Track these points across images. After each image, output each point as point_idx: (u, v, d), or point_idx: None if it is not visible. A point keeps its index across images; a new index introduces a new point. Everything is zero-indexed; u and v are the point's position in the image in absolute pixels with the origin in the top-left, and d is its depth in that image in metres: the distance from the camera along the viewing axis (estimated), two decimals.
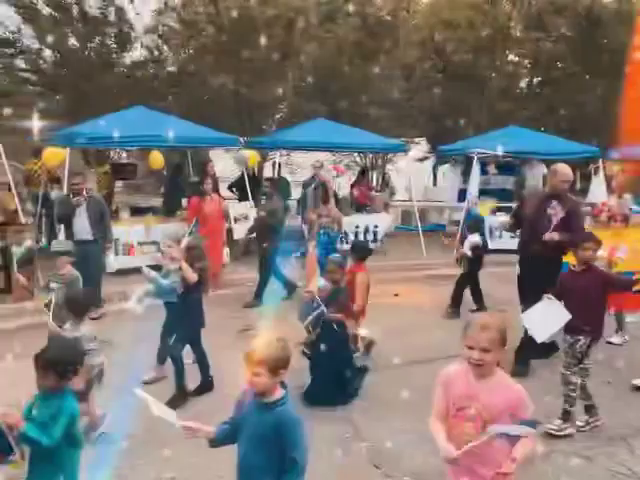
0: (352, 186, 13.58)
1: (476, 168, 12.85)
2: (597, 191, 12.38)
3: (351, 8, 15.76)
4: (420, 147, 19.37)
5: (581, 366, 4.27)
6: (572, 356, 4.23)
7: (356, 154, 16.71)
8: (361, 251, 6.21)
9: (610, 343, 6.19)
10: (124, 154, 16.91)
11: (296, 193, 13.39)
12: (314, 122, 13.22)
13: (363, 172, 14.39)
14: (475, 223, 8.49)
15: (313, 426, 3.28)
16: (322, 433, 3.95)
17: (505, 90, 17.12)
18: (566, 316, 4.12)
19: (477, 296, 7.73)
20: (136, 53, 16.70)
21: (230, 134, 11.78)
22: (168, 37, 16.38)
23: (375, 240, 11.89)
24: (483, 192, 13.25)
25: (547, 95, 17.25)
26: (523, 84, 20.53)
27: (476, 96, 16.23)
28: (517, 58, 18.76)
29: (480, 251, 7.82)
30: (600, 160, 12.58)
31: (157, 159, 11.68)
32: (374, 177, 17.08)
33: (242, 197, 11.49)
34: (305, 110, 15.32)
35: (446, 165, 15.35)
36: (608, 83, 14.47)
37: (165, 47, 16.63)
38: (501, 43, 16.58)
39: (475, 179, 12.89)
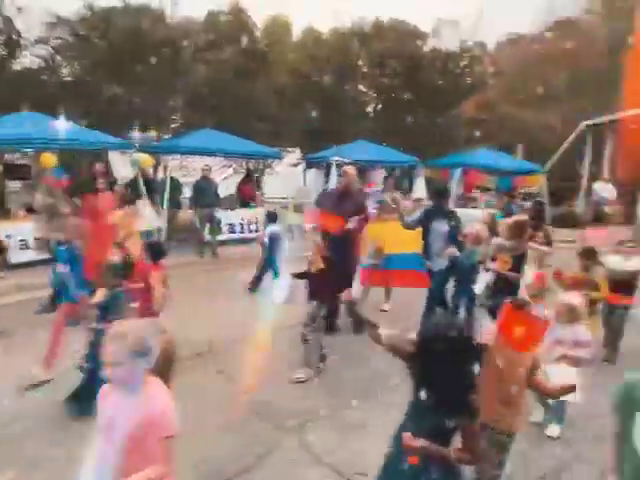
0: (239, 186, 14.08)
1: (334, 172, 14.09)
2: (419, 190, 14.29)
3: (233, 37, 16.11)
4: (294, 155, 20.44)
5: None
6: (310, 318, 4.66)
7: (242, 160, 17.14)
8: (156, 251, 4.83)
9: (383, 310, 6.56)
10: (17, 155, 15.31)
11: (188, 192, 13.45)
12: (203, 132, 13.40)
13: (248, 174, 14.93)
14: None
15: None
16: None
17: (356, 113, 18.89)
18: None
19: None
20: (25, 60, 15.26)
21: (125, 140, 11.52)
22: (61, 48, 15.21)
23: (257, 230, 12.46)
24: None
25: (387, 117, 19.32)
26: (370, 108, 22.61)
27: (334, 116, 17.72)
28: (364, 88, 20.87)
29: None
30: (420, 167, 14.51)
31: (48, 159, 10.95)
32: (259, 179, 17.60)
33: (136, 196, 11.34)
34: (196, 121, 15.39)
35: (313, 169, 16.53)
36: (427, 110, 16.78)
37: (58, 57, 15.41)
38: (351, 75, 18.17)
39: (333, 181, 14.17)
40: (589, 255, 4.76)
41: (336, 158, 14.10)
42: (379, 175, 16.36)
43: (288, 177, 16.19)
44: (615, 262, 4.69)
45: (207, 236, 11.53)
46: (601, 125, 16.02)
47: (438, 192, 5.61)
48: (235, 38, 16.84)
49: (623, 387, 1.93)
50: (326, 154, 15.17)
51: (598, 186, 15.05)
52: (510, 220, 4.74)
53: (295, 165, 19.75)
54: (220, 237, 11.87)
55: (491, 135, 20.80)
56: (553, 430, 3.58)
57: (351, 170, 5.47)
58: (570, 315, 3.28)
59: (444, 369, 1.90)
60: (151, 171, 13.12)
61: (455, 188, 14.92)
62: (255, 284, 7.83)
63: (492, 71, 22.30)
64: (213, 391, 4.35)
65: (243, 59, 16.41)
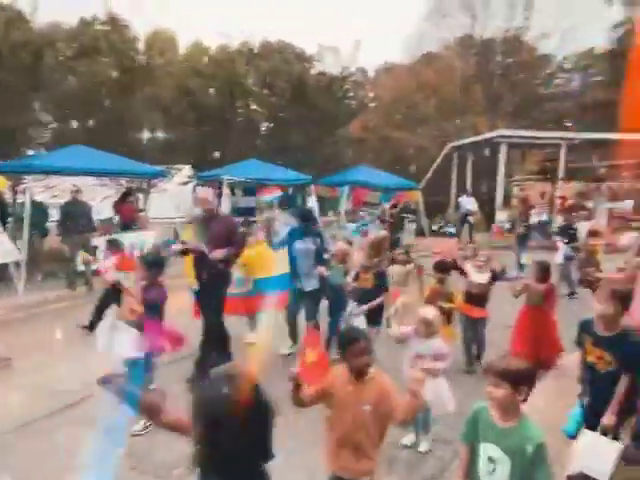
0: (116, 207, 11.92)
1: (226, 191, 12.86)
2: (312, 207, 13.61)
3: (105, 46, 13.86)
4: (184, 173, 18.54)
5: None
6: None
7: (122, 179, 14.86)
8: None
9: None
10: None
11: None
12: (72, 148, 11.13)
13: (127, 194, 12.81)
14: None
15: None
16: None
17: (248, 130, 17.78)
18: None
19: None
20: None
21: None
22: None
23: None
24: (235, 210, 13.43)
25: (278, 136, 18.58)
26: (263, 127, 21.66)
27: (225, 133, 16.41)
28: (255, 107, 19.89)
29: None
30: (312, 185, 13.92)
31: None
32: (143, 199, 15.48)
33: None
34: (67, 136, 12.86)
35: (203, 188, 15.00)
36: (315, 130, 16.36)
37: None
38: (240, 94, 17.02)
39: (226, 200, 12.93)
40: (442, 268, 4.64)
41: (227, 177, 12.84)
42: (274, 194, 15.44)
43: (177, 196, 14.38)
44: (472, 275, 4.66)
45: (79, 266, 9.40)
46: (464, 146, 17.07)
47: (302, 214, 5.13)
48: (112, 49, 14.59)
49: (470, 416, 2.04)
50: (217, 172, 13.80)
51: (463, 199, 15.92)
52: (369, 238, 4.59)
53: (185, 183, 17.93)
54: (95, 266, 9.78)
55: (375, 154, 21.28)
56: (424, 446, 3.41)
57: (203, 194, 4.61)
58: (427, 329, 3.21)
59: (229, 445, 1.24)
60: (5, 194, 10.49)
61: (344, 204, 14.65)
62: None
63: (372, 96, 22.92)
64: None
65: (121, 72, 14.26)
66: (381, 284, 4.34)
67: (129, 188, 13.62)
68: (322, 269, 4.69)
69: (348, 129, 19.89)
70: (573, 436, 2.73)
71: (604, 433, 2.49)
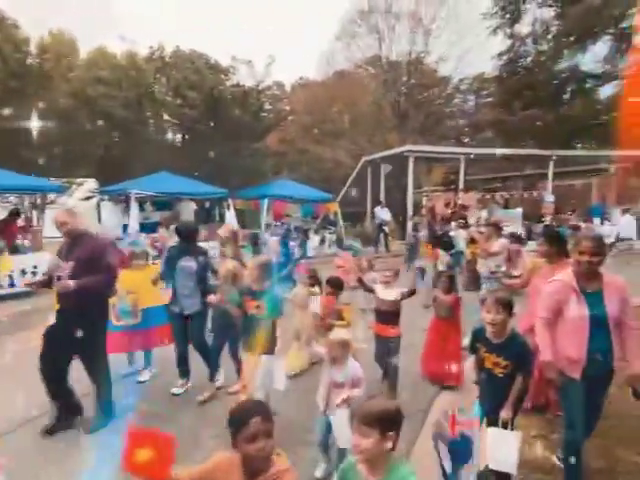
0: (1, 227, 10.48)
1: (134, 206, 11.99)
2: (230, 222, 13.25)
3: None
4: (87, 187, 16.97)
5: None
6: None
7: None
8: None
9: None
10: None
11: None
12: None
13: (16, 212, 11.36)
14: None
15: None
16: None
17: (159, 142, 16.83)
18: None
19: None
20: None
21: None
22: None
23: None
24: (144, 225, 12.54)
25: (192, 148, 17.87)
26: (178, 137, 20.70)
27: (133, 145, 15.34)
28: (168, 117, 18.98)
29: None
30: (229, 199, 13.55)
31: None
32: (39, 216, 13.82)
33: None
34: None
35: (109, 203, 13.84)
36: (231, 143, 16.00)
37: None
38: (149, 103, 16.11)
39: (134, 215, 12.07)
40: (334, 284, 4.40)
41: (135, 190, 11.97)
42: (188, 208, 14.77)
43: (80, 213, 13.11)
44: (379, 291, 4.26)
45: None
46: (377, 160, 17.93)
47: (183, 231, 4.46)
48: None
49: (340, 471, 1.90)
50: (125, 186, 12.82)
51: (378, 210, 16.66)
52: (255, 260, 3.92)
53: (88, 198, 16.41)
54: None
55: (294, 168, 21.46)
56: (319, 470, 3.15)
57: (59, 214, 3.86)
58: (343, 352, 2.92)
59: None
60: None
61: (265, 217, 14.49)
62: None
63: (288, 109, 23.17)
64: None
65: (8, 76, 12.68)
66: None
67: (16, 206, 12.13)
68: (212, 297, 4.11)
69: (265, 142, 19.80)
70: None
71: (504, 426, 2.67)
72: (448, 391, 4.31)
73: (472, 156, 15.55)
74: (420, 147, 16.52)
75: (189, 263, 4.28)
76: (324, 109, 23.26)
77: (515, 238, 6.38)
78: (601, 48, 21.14)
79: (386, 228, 16.15)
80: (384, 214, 16.33)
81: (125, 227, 12.90)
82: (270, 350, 3.55)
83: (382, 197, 17.81)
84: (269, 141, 20.20)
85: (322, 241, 14.89)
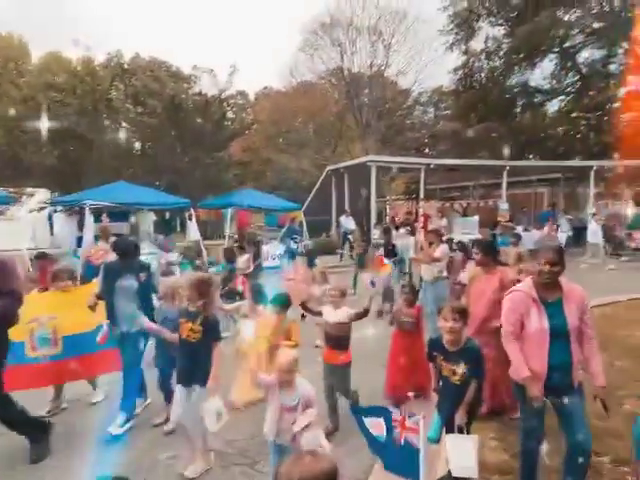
0: None
1: (89, 217, 11.46)
2: (192, 232, 12.95)
3: None
4: (38, 198, 16.11)
5: None
6: None
7: None
8: None
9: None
10: None
11: None
12: None
13: None
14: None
15: None
16: None
17: (117, 151, 16.25)
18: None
19: None
20: None
21: None
22: None
23: None
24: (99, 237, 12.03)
25: (152, 157, 17.40)
26: (138, 146, 20.09)
27: (88, 154, 14.74)
28: (125, 125, 18.39)
29: None
30: (192, 209, 13.23)
31: None
32: None
33: None
34: None
35: (62, 215, 13.18)
36: (193, 152, 15.70)
37: None
38: (106, 111, 15.57)
39: (89, 227, 11.53)
40: (279, 301, 3.97)
41: (90, 201, 11.45)
42: (147, 219, 14.30)
43: (29, 224, 12.36)
44: (327, 313, 3.79)
45: None
46: (341, 169, 18.14)
47: (121, 246, 4.06)
48: None
49: None
50: (79, 196, 12.26)
51: (342, 219, 16.82)
52: (191, 277, 3.51)
53: (39, 210, 15.56)
54: None
55: (258, 177, 21.33)
56: None
57: None
58: (292, 373, 2.70)
59: None
60: None
61: (229, 228, 14.26)
62: None
63: (252, 119, 23.08)
64: None
65: None
66: (212, 335, 3.15)
67: None
68: (141, 320, 3.68)
69: (229, 151, 19.58)
70: (436, 440, 2.89)
71: (460, 431, 2.71)
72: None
73: (432, 166, 16.01)
74: (382, 157, 16.89)
75: (129, 282, 3.88)
76: (288, 119, 23.35)
77: (461, 246, 6.61)
78: (548, 65, 22.59)
79: (351, 237, 16.31)
80: (349, 223, 16.50)
81: (80, 240, 12.33)
82: (202, 381, 3.07)
83: (347, 206, 18.01)
84: (233, 150, 19.99)
85: (287, 251, 14.83)
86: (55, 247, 13.59)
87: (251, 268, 7.43)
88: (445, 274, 5.63)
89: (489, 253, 3.95)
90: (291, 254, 11.52)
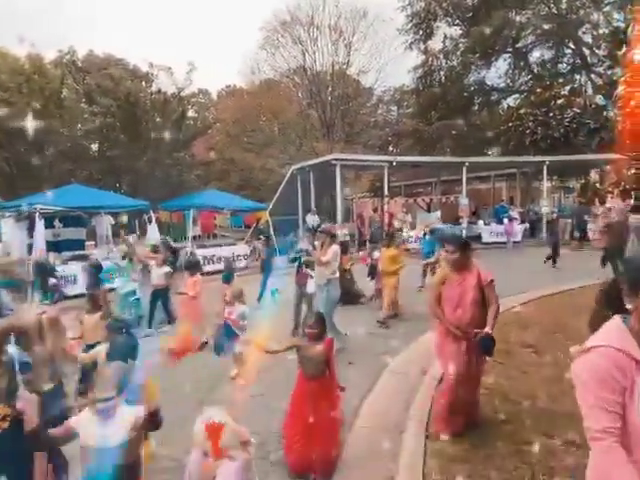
0: None
1: (39, 223, 10.83)
2: (152, 235, 12.49)
3: None
4: None
5: None
6: None
7: None
8: None
9: None
10: None
11: None
12: None
13: None
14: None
15: None
16: None
17: (68, 153, 15.43)
18: None
19: None
20: None
21: None
22: None
23: None
24: (55, 244, 11.44)
25: (108, 158, 16.64)
26: (94, 147, 19.18)
27: (39, 156, 13.91)
28: (80, 126, 17.47)
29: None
30: (151, 211, 12.76)
31: None
32: None
33: None
34: None
35: (9, 220, 12.39)
36: (153, 153, 15.13)
37: None
38: (57, 110, 14.76)
39: (40, 233, 10.89)
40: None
41: (40, 205, 10.81)
42: (104, 222, 13.68)
43: None
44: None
45: None
46: (306, 168, 18.04)
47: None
48: None
49: None
50: (28, 200, 11.53)
51: (308, 217, 16.74)
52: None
53: None
54: None
55: (222, 177, 20.90)
56: None
57: None
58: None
59: None
60: None
61: (191, 229, 13.83)
62: None
63: (214, 118, 22.59)
64: None
65: None
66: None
67: None
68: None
69: (191, 151, 19.06)
70: None
71: None
72: None
73: (394, 164, 16.19)
74: (346, 155, 16.93)
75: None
76: (252, 118, 23.01)
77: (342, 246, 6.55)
78: (502, 64, 23.37)
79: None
80: (315, 221, 16.44)
81: (31, 247, 11.63)
82: None
83: (312, 205, 17.94)
84: (196, 150, 19.48)
85: (252, 252, 14.59)
86: (4, 254, 12.80)
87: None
88: (337, 275, 5.49)
89: (466, 251, 3.26)
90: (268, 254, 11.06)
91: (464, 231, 16.43)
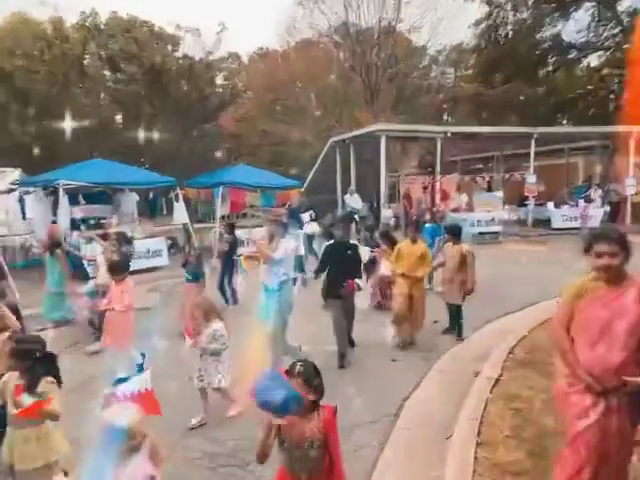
0: None
1: (63, 199, 11.53)
2: (179, 214, 12.96)
3: None
4: (8, 178, 16.12)
5: None
6: None
7: None
8: None
9: None
10: None
11: None
12: None
13: None
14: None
15: None
16: None
17: (91, 125, 16.13)
18: None
19: None
20: None
21: None
22: None
23: None
24: (83, 221, 12.26)
25: (131, 131, 17.24)
26: (118, 119, 19.98)
27: (62, 129, 14.66)
28: (102, 96, 18.19)
29: None
30: (178, 188, 13.18)
31: None
32: None
33: None
34: None
35: (32, 196, 13.22)
36: (179, 124, 15.54)
37: None
38: (78, 80, 15.43)
39: (64, 210, 11.61)
40: None
41: (63, 181, 11.48)
42: (131, 199, 14.33)
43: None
44: None
45: None
46: (347, 140, 17.94)
47: None
48: None
49: None
50: (52, 176, 12.27)
51: (347, 198, 16.69)
52: None
53: (9, 191, 15.61)
54: None
55: (253, 151, 21.18)
56: None
57: None
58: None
59: None
60: None
61: (221, 208, 14.20)
62: None
63: (245, 84, 22.77)
64: None
65: None
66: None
67: None
68: None
69: (219, 123, 19.40)
70: None
71: None
72: None
73: (450, 135, 15.76)
74: (393, 126, 16.66)
75: None
76: (286, 84, 23.01)
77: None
78: (583, 17, 21.91)
79: (357, 217, 16.19)
80: (355, 202, 16.38)
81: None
82: None
83: (352, 183, 17.86)
84: (224, 121, 19.78)
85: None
86: (29, 232, 13.74)
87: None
88: (293, 275, 4.92)
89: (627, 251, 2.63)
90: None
91: (530, 215, 15.99)
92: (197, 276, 5.00)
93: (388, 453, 3.46)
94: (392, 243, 6.69)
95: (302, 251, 9.04)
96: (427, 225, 9.02)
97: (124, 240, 7.10)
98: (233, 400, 4.00)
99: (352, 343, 5.45)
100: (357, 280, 5.22)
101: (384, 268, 6.91)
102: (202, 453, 3.56)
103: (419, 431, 3.78)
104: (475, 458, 3.17)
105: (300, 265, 8.55)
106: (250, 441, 3.51)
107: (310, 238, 11.11)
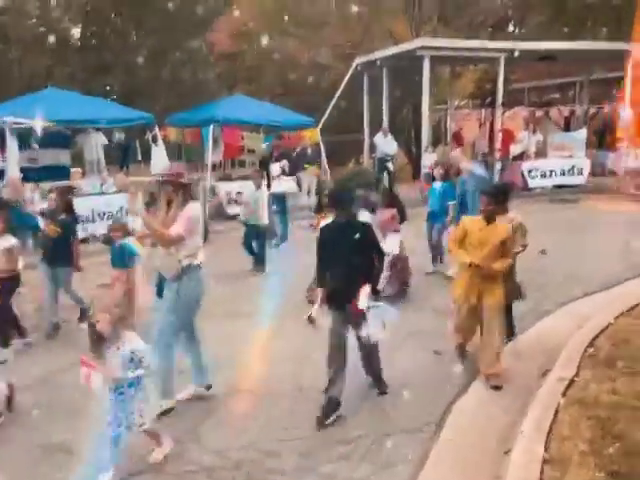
0: None
1: (12, 141, 11.75)
2: (158, 161, 13.06)
3: None
4: None
5: None
6: None
7: None
8: None
9: None
10: None
11: None
12: None
13: None
14: None
15: None
16: None
17: (45, 43, 16.08)
18: None
19: None
20: None
21: None
22: None
23: None
24: (29, 170, 12.43)
25: (95, 51, 17.15)
26: (75, 34, 19.85)
27: (6, 49, 14.69)
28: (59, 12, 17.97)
29: None
30: (156, 127, 13.22)
31: None
32: None
33: None
34: None
35: None
36: (157, 43, 15.37)
37: None
38: None
39: (13, 156, 11.85)
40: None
41: (11, 118, 11.67)
42: (96, 142, 14.47)
43: None
44: None
45: None
46: (377, 62, 17.62)
47: None
48: None
49: None
50: None
51: (378, 139, 16.52)
52: None
53: None
54: None
55: (253, 77, 20.95)
56: None
57: None
58: None
59: None
60: None
61: (212, 154, 14.27)
62: None
63: None
64: None
65: None
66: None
67: None
68: None
69: (208, 39, 19.15)
70: None
71: None
72: None
73: (516, 54, 15.38)
74: (440, 41, 16.25)
75: None
76: None
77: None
78: None
79: (390, 165, 16.13)
80: (387, 145, 16.26)
81: (1, 173, 12.68)
82: None
83: (385, 121, 17.68)
84: (215, 38, 19.46)
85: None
86: None
87: None
88: (198, 262, 4.33)
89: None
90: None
91: (622, 163, 15.70)
92: (123, 260, 5.48)
93: (429, 471, 3.55)
94: (396, 206, 7.01)
95: (265, 219, 8.89)
96: (436, 184, 8.20)
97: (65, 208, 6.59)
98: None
99: (380, 384, 4.60)
100: (367, 289, 4.18)
101: (390, 244, 6.61)
102: (198, 466, 3.70)
103: (468, 444, 3.88)
104: (541, 479, 3.27)
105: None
106: (259, 452, 3.74)
107: (280, 200, 10.44)
